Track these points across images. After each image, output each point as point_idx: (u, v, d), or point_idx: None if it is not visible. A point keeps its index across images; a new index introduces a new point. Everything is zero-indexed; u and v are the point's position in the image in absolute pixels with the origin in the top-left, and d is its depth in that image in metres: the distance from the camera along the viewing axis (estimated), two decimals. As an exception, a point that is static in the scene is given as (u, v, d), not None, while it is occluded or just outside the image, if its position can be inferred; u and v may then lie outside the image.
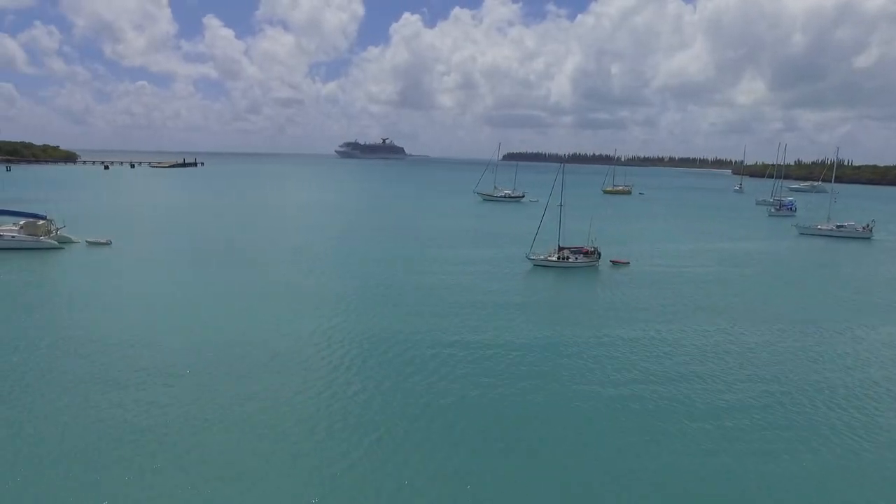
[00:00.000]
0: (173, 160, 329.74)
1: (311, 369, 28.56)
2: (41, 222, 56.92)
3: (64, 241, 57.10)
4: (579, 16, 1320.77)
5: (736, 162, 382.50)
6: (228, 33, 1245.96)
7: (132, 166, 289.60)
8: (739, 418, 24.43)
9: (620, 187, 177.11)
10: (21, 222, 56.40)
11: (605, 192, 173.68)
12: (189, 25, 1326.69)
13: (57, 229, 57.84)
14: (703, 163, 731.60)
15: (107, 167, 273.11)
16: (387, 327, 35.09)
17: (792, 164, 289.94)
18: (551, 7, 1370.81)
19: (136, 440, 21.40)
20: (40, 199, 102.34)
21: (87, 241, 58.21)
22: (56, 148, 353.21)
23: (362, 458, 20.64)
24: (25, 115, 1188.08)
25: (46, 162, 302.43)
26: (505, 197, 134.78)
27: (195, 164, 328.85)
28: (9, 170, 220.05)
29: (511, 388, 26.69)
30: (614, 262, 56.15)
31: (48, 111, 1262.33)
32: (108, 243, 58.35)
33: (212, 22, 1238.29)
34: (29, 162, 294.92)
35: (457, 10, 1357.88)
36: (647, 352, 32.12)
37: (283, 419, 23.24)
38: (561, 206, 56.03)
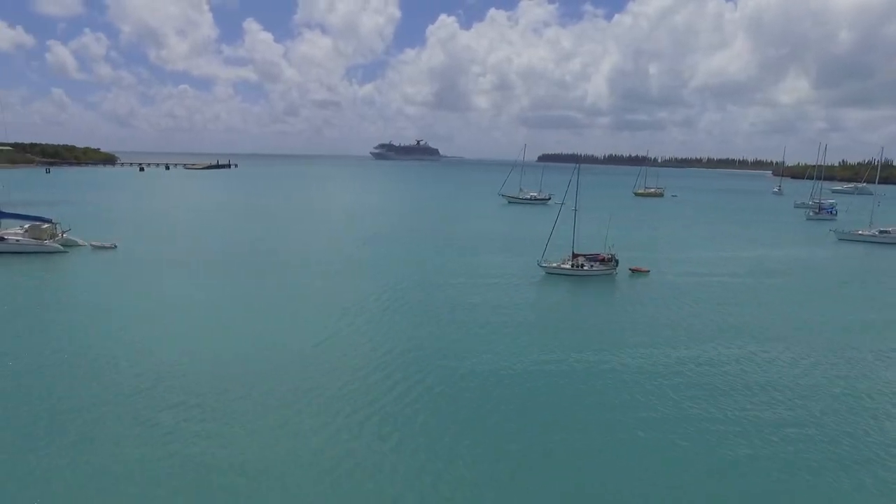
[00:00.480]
0: (207, 162, 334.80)
1: (306, 382, 27.26)
2: (46, 226, 56.31)
3: (69, 245, 56.36)
4: (616, 15, 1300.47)
5: (776, 163, 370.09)
6: (267, 37, 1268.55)
7: (167, 168, 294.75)
8: (765, 466, 21.30)
9: (652, 190, 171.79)
10: (26, 225, 55.91)
11: (637, 194, 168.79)
12: (229, 30, 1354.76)
13: (63, 232, 57.19)
14: (742, 164, 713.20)
15: (142, 169, 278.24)
16: (391, 339, 33.51)
17: (836, 164, 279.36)
18: (588, 7, 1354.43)
19: (144, 444, 20.94)
20: (68, 199, 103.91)
21: (91, 245, 57.39)
22: (97, 150, 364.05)
23: (384, 470, 20.23)
24: (75, 120, 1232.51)
25: (86, 164, 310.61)
26: (531, 199, 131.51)
27: (228, 166, 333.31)
28: (48, 171, 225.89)
29: (513, 421, 24.10)
30: (633, 271, 52.78)
31: (96, 115, 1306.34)
32: (114, 247, 57.45)
33: (251, 26, 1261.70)
34: (70, 164, 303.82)
35: (493, 12, 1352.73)
36: (659, 375, 28.99)
37: (294, 424, 23.07)
38: (575, 209, 52.83)
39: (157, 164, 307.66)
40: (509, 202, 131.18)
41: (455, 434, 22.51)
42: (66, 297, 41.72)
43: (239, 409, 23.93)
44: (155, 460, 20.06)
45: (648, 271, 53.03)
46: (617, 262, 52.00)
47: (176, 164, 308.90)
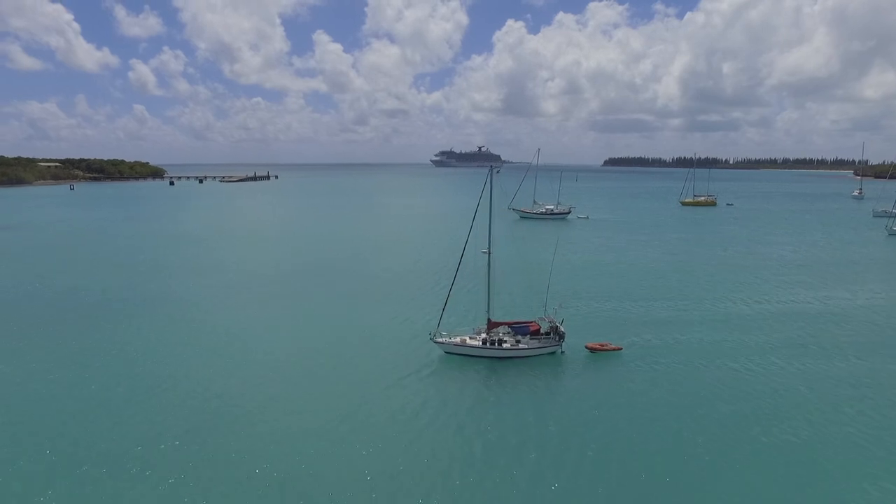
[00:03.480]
0: (243, 174, 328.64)
1: None
2: None
3: None
4: (688, 13, 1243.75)
5: (858, 162, 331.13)
6: (337, 48, 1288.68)
7: (200, 181, 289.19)
8: None
9: (702, 198, 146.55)
10: None
11: (683, 203, 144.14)
12: (300, 42, 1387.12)
13: None
14: (821, 164, 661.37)
15: (172, 183, 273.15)
16: None
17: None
18: (659, 6, 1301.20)
19: None
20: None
21: None
22: (145, 164, 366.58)
23: None
24: (154, 133, 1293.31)
25: (128, 179, 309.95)
26: (547, 213, 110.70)
27: (267, 178, 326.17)
28: (72, 188, 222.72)
29: None
30: (594, 350, 32.66)
31: (173, 129, 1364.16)
32: None
33: (321, 38, 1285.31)
34: (113, 179, 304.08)
35: (560, 15, 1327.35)
36: None
37: None
38: (488, 251, 33.13)
39: (188, 178, 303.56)
40: (521, 217, 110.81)
41: None
42: None
43: None
44: None
45: (620, 349, 32.84)
46: (562, 335, 32.07)
47: (213, 178, 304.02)
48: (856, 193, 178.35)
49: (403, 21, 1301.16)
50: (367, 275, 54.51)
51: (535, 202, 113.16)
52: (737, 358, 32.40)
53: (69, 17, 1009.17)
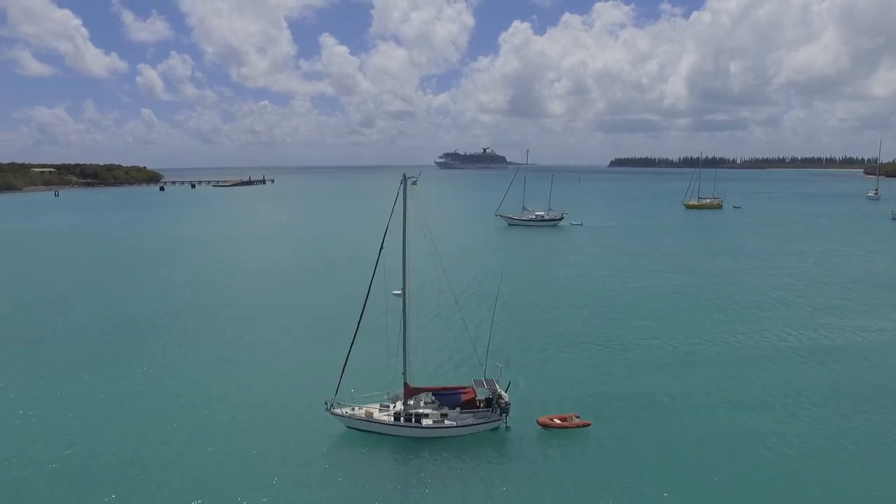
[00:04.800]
0: (238, 178, 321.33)
1: None
2: None
3: None
4: (695, 13, 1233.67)
5: (868, 160, 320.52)
6: (343, 50, 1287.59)
7: (192, 186, 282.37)
8: None
9: (707, 200, 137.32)
10: None
11: (688, 206, 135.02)
12: (307, 45, 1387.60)
13: None
14: (829, 162, 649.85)
15: (162, 188, 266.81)
16: None
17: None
18: (665, 6, 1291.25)
19: None
20: None
21: None
22: (142, 169, 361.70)
23: None
24: (162, 138, 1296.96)
25: (123, 184, 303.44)
26: (536, 220, 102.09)
27: (263, 182, 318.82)
28: (57, 195, 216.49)
29: None
30: (549, 427, 24.13)
31: (181, 133, 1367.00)
32: None
33: (328, 40, 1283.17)
34: (107, 185, 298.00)
35: (566, 16, 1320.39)
36: None
37: None
38: (402, 293, 24.56)
39: (183, 182, 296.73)
40: (509, 225, 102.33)
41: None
42: None
43: None
44: None
45: (588, 425, 24.30)
46: (506, 406, 23.58)
47: (208, 182, 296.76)
48: (871, 194, 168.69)
49: (409, 23, 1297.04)
50: (278, 315, 43.49)
51: (524, 208, 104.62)
52: (763, 435, 23.80)
53: (77, 22, 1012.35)
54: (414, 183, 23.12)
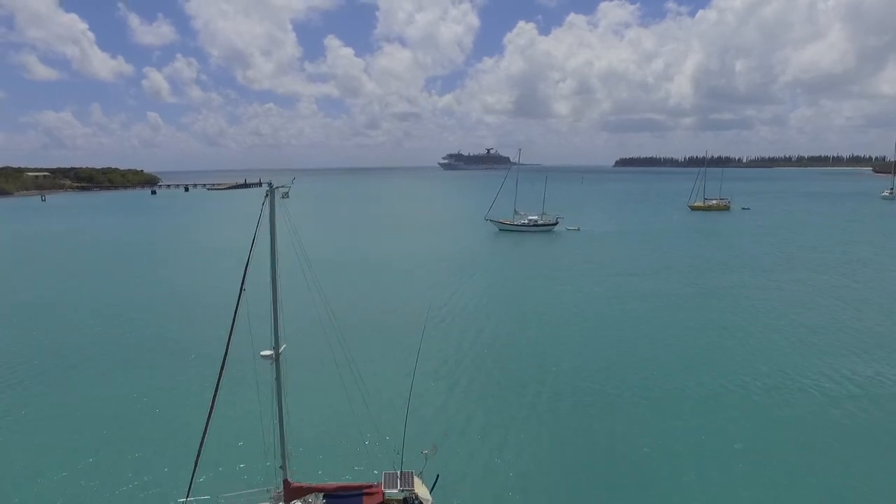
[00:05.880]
0: (233, 181, 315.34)
1: None
2: None
3: None
4: (701, 11, 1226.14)
5: (876, 158, 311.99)
6: (348, 52, 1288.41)
7: (185, 189, 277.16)
8: None
9: (714, 201, 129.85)
10: None
11: (693, 208, 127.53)
12: (312, 47, 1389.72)
13: None
14: (836, 161, 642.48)
15: (153, 192, 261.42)
16: None
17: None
18: (671, 5, 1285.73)
19: None
20: None
21: None
22: (139, 172, 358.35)
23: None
24: (168, 140, 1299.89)
25: (118, 188, 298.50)
26: (529, 225, 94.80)
27: (259, 185, 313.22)
28: (43, 199, 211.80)
29: None
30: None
31: (187, 135, 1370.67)
32: None
33: (333, 42, 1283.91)
34: (102, 188, 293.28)
35: (571, 16, 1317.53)
36: None
37: None
38: (273, 355, 17.14)
39: (177, 186, 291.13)
40: (500, 230, 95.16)
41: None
42: None
43: None
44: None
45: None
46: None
47: (203, 185, 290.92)
48: (886, 193, 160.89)
49: (414, 24, 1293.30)
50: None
51: (516, 212, 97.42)
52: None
53: (84, 26, 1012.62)
54: (285, 196, 16.09)
